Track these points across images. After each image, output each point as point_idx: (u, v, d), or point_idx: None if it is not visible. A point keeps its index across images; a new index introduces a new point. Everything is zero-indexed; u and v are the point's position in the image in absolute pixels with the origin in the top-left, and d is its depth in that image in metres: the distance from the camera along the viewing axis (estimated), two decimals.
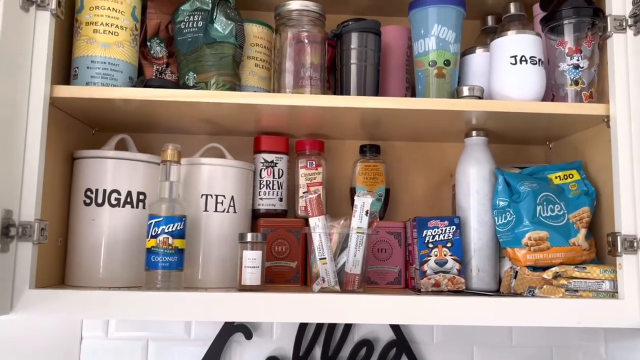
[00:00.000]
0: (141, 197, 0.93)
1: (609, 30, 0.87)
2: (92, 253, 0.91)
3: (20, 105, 0.79)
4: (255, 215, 1.04)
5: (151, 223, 0.86)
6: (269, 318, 0.83)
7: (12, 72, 0.77)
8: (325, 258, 0.87)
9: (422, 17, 0.96)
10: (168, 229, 0.85)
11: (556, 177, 0.96)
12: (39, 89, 0.80)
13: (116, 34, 0.90)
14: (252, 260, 0.88)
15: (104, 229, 0.91)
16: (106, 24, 0.89)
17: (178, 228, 0.86)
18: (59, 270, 0.93)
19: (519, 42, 0.90)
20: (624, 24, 0.86)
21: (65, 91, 0.85)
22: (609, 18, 0.87)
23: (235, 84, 0.96)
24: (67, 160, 0.95)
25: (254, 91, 1.00)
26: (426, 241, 0.93)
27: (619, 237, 0.82)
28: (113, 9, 0.90)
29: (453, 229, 0.94)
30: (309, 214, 0.89)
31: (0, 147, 0.74)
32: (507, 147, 1.17)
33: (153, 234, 0.85)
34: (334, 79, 1.02)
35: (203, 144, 1.03)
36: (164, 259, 0.85)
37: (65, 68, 0.92)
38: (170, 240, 0.85)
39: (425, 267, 0.93)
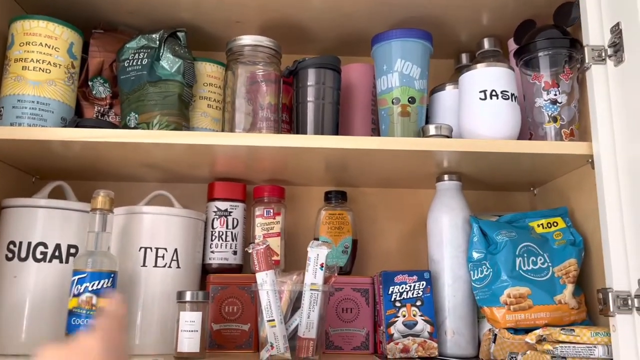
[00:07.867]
0: (72, 250, 0.83)
1: (587, 61, 0.79)
2: (13, 314, 0.80)
3: None
4: (207, 271, 0.93)
5: (74, 280, 0.75)
6: None
7: None
8: (273, 320, 0.76)
9: (384, 52, 0.88)
10: (92, 286, 0.75)
11: (538, 226, 0.85)
12: None
13: (48, 71, 0.82)
14: (190, 324, 0.77)
15: (28, 287, 0.81)
16: (37, 61, 0.82)
17: (105, 286, 0.75)
18: None
19: (488, 76, 0.82)
20: (604, 54, 0.78)
21: None
22: (586, 49, 0.79)
23: (181, 125, 0.88)
24: None
25: None
26: (393, 299, 0.82)
27: (610, 294, 0.71)
28: (46, 44, 0.83)
29: (423, 284, 0.83)
30: (255, 269, 0.78)
31: None
32: (487, 193, 1.07)
33: (75, 292, 0.75)
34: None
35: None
36: (87, 322, 0.74)
37: None
38: (95, 299, 0.74)
39: (392, 329, 0.81)
